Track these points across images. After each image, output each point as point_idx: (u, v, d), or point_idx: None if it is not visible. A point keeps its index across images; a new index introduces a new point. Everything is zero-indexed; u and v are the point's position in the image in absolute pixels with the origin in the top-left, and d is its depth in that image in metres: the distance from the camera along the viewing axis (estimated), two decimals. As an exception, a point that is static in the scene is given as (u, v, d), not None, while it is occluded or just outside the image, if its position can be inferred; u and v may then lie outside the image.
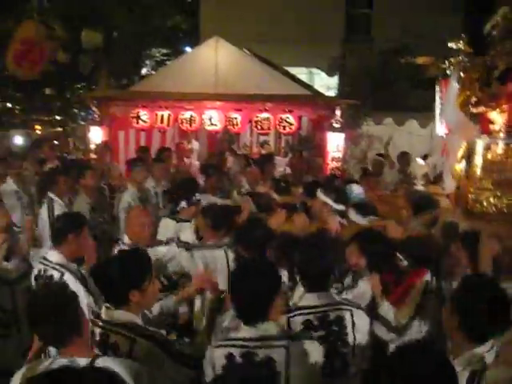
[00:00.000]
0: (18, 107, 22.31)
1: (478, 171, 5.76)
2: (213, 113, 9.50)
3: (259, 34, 16.40)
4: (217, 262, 4.26)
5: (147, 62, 19.64)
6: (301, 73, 16.50)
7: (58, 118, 20.66)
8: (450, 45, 5.80)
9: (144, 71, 19.47)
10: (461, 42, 5.77)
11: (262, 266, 2.88)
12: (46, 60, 9.18)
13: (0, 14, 14.58)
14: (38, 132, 21.70)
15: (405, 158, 9.23)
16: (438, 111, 7.45)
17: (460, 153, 6.06)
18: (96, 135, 9.87)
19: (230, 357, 2.64)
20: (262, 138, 11.30)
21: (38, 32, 8.78)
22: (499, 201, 5.44)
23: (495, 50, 5.72)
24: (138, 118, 9.73)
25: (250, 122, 9.83)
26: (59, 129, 19.02)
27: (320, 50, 15.65)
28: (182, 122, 9.65)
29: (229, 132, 10.39)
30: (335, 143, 9.69)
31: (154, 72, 17.25)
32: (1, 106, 24.39)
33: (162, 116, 9.68)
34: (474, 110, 5.96)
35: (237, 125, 9.60)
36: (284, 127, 9.61)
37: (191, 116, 9.56)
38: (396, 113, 11.22)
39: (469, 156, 5.98)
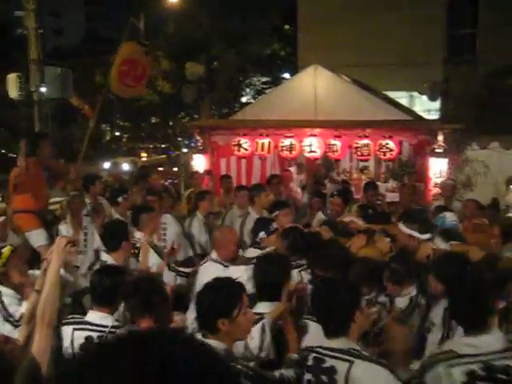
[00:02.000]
0: (125, 135, 23.58)
1: None
2: (312, 140, 9.56)
3: (357, 59, 16.37)
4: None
5: (247, 90, 20.13)
6: (401, 97, 16.26)
7: (162, 145, 21.61)
8: None
9: (244, 99, 19.96)
10: None
11: (343, 283, 3.16)
12: (147, 76, 9.76)
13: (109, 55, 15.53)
14: (144, 159, 22.75)
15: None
16: None
17: None
18: (199, 163, 10.23)
19: (304, 359, 3.03)
20: (361, 164, 11.20)
21: (136, 51, 9.38)
22: None
23: None
24: (239, 145, 9.98)
25: (350, 148, 9.79)
26: (163, 156, 19.85)
27: (421, 74, 15.34)
28: (281, 149, 9.79)
29: (327, 158, 10.40)
30: (438, 168, 9.42)
31: (253, 100, 17.66)
32: (110, 134, 25.88)
33: (263, 144, 9.86)
34: None
35: (336, 151, 9.60)
36: (384, 153, 9.49)
37: (291, 143, 9.68)
38: (504, 136, 10.75)
39: None
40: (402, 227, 4.88)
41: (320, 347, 2.98)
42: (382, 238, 5.06)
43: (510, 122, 11.20)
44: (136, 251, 5.52)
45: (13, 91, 12.23)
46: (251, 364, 3.07)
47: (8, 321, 4.11)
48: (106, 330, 3.58)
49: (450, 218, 5.95)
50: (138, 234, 5.73)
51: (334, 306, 2.97)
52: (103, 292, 3.69)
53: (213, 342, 2.83)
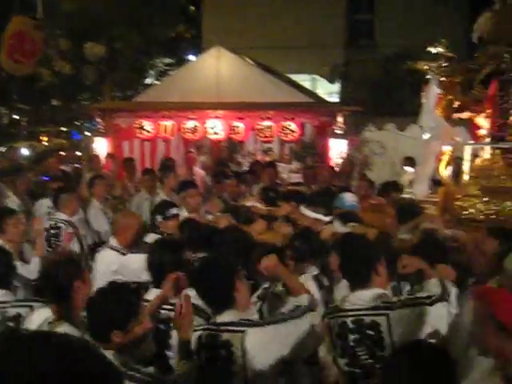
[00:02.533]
0: (24, 119, 22.42)
1: (466, 177, 5.62)
2: (215, 122, 9.58)
3: (262, 41, 16.50)
4: None
5: (151, 72, 19.73)
6: (304, 80, 16.58)
7: (63, 129, 20.78)
8: (429, 49, 5.68)
9: (148, 81, 19.56)
10: (440, 46, 5.63)
11: (218, 259, 3.23)
12: (39, 52, 9.34)
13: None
14: (45, 144, 21.81)
15: (408, 163, 9.24)
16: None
17: (445, 159, 5.94)
18: (101, 146, 9.98)
19: (199, 338, 3.00)
20: (265, 146, 11.35)
21: (25, 24, 8.96)
22: (486, 207, 5.30)
23: (479, 53, 5.68)
24: (142, 128, 9.83)
25: (253, 130, 9.89)
26: (63, 141, 19.12)
27: (322, 57, 15.71)
28: (185, 132, 9.74)
29: (231, 140, 10.46)
30: (337, 149, 9.72)
31: (157, 82, 17.36)
32: (8, 118, 24.59)
33: (166, 126, 9.77)
34: (459, 115, 5.84)
35: (240, 133, 9.68)
36: (286, 134, 9.67)
37: (194, 125, 9.64)
38: (398, 118, 11.26)
39: (455, 162, 5.89)
40: (306, 211, 4.87)
41: (212, 324, 3.02)
42: (283, 223, 4.99)
43: (404, 105, 11.74)
44: (57, 231, 5.66)
45: None
46: (149, 369, 2.95)
47: None
48: (8, 305, 3.58)
49: (349, 198, 6.05)
50: (58, 215, 5.86)
51: (212, 282, 3.01)
52: None
53: (108, 353, 2.56)
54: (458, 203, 5.46)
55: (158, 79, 18.66)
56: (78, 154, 15.44)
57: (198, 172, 9.76)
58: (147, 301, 3.28)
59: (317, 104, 11.04)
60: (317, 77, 17.98)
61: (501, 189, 5.42)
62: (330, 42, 16.65)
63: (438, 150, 6.06)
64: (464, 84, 5.71)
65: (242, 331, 2.90)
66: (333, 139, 9.76)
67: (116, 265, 4.32)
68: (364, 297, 3.08)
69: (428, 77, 5.81)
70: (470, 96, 5.70)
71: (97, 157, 9.46)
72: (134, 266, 4.26)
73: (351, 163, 9.23)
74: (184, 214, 5.77)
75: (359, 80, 12.71)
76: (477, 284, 3.63)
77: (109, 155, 9.65)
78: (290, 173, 10.47)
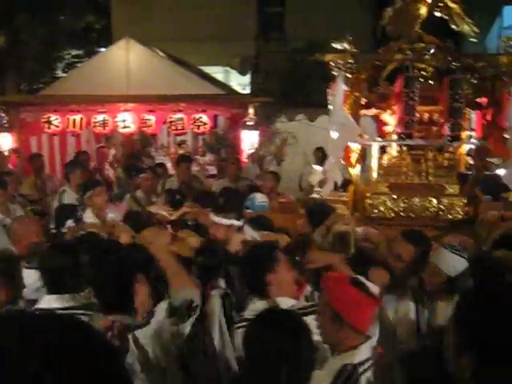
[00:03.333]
0: None
1: (374, 175, 5.68)
2: (126, 115, 9.46)
3: (172, 33, 16.35)
4: None
5: (59, 64, 19.04)
6: (218, 72, 16.60)
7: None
8: (334, 45, 5.58)
9: (58, 73, 18.86)
10: (345, 42, 5.63)
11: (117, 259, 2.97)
12: None
13: None
14: None
15: (319, 153, 9.50)
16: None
17: (354, 157, 5.98)
18: (6, 142, 9.59)
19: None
20: (179, 138, 11.31)
21: None
22: (396, 204, 5.40)
23: (383, 49, 5.81)
24: (50, 122, 9.55)
25: (165, 122, 9.84)
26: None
27: (234, 49, 15.77)
28: (95, 126, 9.55)
29: (143, 133, 10.35)
30: (250, 141, 9.84)
31: (65, 75, 16.80)
32: None
33: (74, 120, 9.54)
34: (366, 112, 5.87)
35: (151, 126, 9.61)
36: (198, 127, 9.69)
37: (104, 119, 9.47)
38: (308, 109, 11.53)
39: (364, 160, 5.96)
40: (216, 218, 4.51)
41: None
42: (190, 233, 4.40)
43: (314, 96, 12.01)
44: None
45: None
46: None
47: None
48: None
49: (259, 198, 6.01)
50: None
51: (108, 281, 2.82)
52: None
53: None
54: (367, 201, 5.50)
55: (65, 72, 18.04)
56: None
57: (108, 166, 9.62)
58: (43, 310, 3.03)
59: (227, 96, 11.12)
60: (230, 69, 18.04)
61: (409, 185, 5.51)
62: (241, 34, 16.71)
63: (346, 147, 6.03)
64: (370, 81, 5.70)
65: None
66: (245, 131, 9.87)
67: None
68: (259, 307, 3.00)
69: (334, 73, 5.81)
70: (376, 93, 5.72)
71: (1, 153, 9.09)
72: (28, 282, 3.86)
73: (261, 158, 9.34)
74: (89, 214, 5.41)
75: (270, 72, 12.94)
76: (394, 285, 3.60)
77: (13, 151, 9.32)
78: (204, 165, 10.51)
